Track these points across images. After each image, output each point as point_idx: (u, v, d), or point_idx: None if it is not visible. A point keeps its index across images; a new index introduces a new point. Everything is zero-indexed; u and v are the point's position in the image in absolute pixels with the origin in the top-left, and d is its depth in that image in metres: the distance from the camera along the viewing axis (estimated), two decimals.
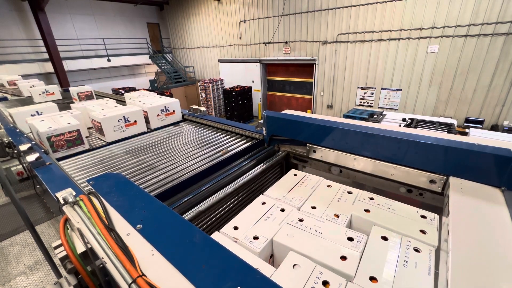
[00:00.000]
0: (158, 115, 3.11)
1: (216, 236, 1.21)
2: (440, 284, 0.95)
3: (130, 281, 0.72)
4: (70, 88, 5.32)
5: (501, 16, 6.70)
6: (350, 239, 1.18)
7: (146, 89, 13.99)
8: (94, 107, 3.14)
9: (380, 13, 8.47)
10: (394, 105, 9.20)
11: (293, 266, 1.02)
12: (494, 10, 6.75)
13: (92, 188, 1.21)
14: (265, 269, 0.99)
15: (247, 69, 13.28)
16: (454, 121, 6.38)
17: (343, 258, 1.08)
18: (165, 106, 3.15)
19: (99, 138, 2.89)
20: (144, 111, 3.03)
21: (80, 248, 0.98)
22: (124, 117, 2.75)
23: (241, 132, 2.72)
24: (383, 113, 7.41)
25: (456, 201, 1.29)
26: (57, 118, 2.62)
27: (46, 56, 11.86)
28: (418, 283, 0.96)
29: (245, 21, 12.40)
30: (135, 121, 2.87)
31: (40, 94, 5.54)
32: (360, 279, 0.98)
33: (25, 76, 9.05)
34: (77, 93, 5.54)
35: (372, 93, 9.55)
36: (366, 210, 1.38)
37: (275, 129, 2.40)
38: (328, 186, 1.66)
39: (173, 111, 3.24)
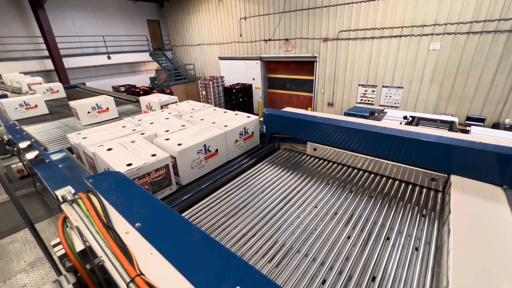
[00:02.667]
0: (236, 140, 2.20)
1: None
2: (441, 283, 0.94)
3: (128, 280, 0.72)
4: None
5: (504, 13, 6.64)
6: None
7: (146, 87, 13.99)
8: (152, 124, 2.30)
9: (382, 10, 8.40)
10: (395, 103, 9.16)
11: None
12: (496, 7, 6.69)
13: (91, 186, 1.21)
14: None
15: (247, 67, 13.22)
16: (456, 119, 6.34)
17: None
18: (244, 128, 2.25)
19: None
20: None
21: (79, 246, 0.97)
22: (205, 146, 1.90)
23: None
24: (384, 111, 7.37)
25: (457, 199, 1.28)
26: (127, 142, 1.83)
27: (46, 53, 11.81)
28: None
29: (245, 18, 12.32)
30: (216, 151, 2.02)
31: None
32: None
33: (25, 73, 9.04)
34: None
35: (373, 91, 9.50)
36: None
37: (276, 127, 2.40)
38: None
39: (252, 132, 2.35)
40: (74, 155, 2.20)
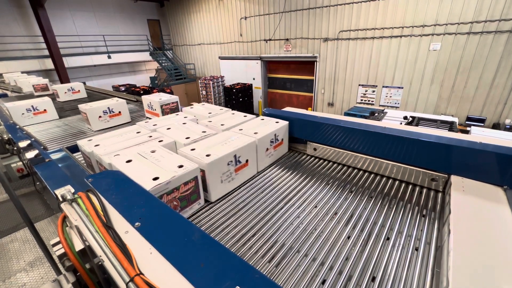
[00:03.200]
0: (267, 149, 2.01)
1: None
2: (441, 283, 0.94)
3: (127, 279, 0.71)
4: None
5: (504, 13, 6.64)
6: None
7: (146, 87, 13.99)
8: (169, 130, 2.11)
9: (382, 10, 8.40)
10: (396, 103, 9.16)
11: None
12: (497, 7, 6.69)
13: (91, 186, 1.20)
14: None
15: (247, 66, 13.22)
16: (456, 119, 6.35)
17: None
18: (275, 135, 2.06)
19: None
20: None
21: (79, 245, 0.97)
22: (235, 156, 1.71)
23: None
24: (384, 111, 7.38)
25: (458, 199, 1.28)
26: (146, 152, 1.64)
27: (46, 52, 11.82)
28: None
29: (246, 18, 12.32)
30: (247, 161, 1.82)
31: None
32: None
33: (25, 73, 9.03)
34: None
35: (373, 91, 9.50)
36: None
37: None
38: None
39: (282, 139, 2.18)
40: (84, 162, 2.11)
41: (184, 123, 2.22)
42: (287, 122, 2.17)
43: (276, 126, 2.09)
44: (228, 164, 1.66)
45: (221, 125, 2.14)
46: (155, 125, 2.22)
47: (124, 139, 1.95)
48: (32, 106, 3.61)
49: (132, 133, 2.07)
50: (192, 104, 3.41)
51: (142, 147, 1.73)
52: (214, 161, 1.55)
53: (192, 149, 1.66)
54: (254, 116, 2.29)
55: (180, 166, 1.44)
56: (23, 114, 3.54)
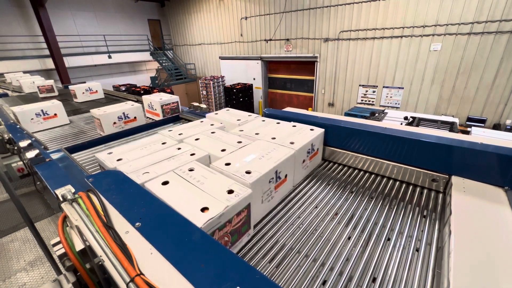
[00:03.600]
0: (303, 160, 1.82)
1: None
2: (442, 284, 0.94)
3: (128, 280, 0.71)
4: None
5: (505, 14, 6.63)
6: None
7: (146, 86, 13.99)
8: (198, 140, 1.86)
9: (383, 10, 8.39)
10: (396, 103, 9.15)
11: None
12: (498, 8, 6.68)
13: (91, 185, 1.20)
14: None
15: (248, 67, 13.22)
16: (456, 120, 6.35)
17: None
18: (311, 144, 1.87)
19: None
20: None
21: (79, 245, 0.97)
22: (276, 172, 1.49)
23: None
24: (385, 111, 7.37)
25: (458, 200, 1.28)
26: (184, 170, 1.38)
27: (47, 52, 11.83)
28: None
29: (246, 18, 12.32)
30: (286, 177, 1.62)
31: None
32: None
33: (27, 72, 9.05)
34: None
35: (374, 91, 9.50)
36: None
37: None
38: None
39: (317, 149, 2.00)
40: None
41: (213, 132, 1.99)
42: (322, 130, 1.98)
43: (312, 134, 1.88)
44: (270, 182, 1.44)
45: (256, 134, 1.90)
46: (181, 135, 1.96)
47: (150, 151, 1.69)
48: (42, 111, 3.28)
49: (157, 144, 1.80)
50: (191, 104, 3.41)
51: (174, 163, 1.50)
52: (257, 180, 1.31)
53: (227, 164, 1.44)
54: (288, 123, 2.12)
55: (230, 192, 1.17)
56: (32, 119, 3.24)
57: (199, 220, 1.01)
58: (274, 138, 1.81)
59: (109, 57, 14.14)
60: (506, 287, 0.83)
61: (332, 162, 2.12)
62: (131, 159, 1.58)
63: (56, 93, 5.69)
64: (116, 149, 1.74)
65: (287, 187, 1.68)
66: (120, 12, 15.24)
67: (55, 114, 3.42)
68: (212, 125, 2.18)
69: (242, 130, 2.01)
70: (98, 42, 14.13)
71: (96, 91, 5.14)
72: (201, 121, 2.32)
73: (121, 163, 1.54)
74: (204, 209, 1.07)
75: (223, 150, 1.65)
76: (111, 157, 1.63)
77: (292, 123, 2.09)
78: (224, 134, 1.96)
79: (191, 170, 1.37)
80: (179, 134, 1.98)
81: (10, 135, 2.45)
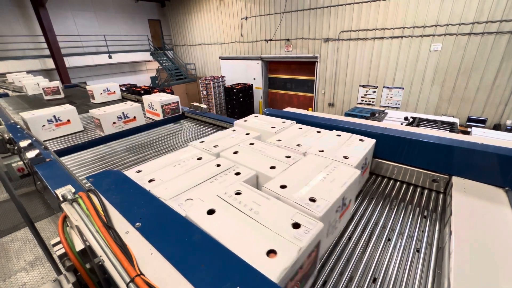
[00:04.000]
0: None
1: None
2: (442, 285, 0.93)
3: (128, 280, 0.71)
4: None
5: (505, 14, 6.63)
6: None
7: (147, 86, 14.00)
8: (237, 154, 1.57)
9: (383, 10, 8.40)
10: (396, 104, 9.15)
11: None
12: (498, 8, 6.68)
13: (91, 185, 1.20)
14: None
15: (248, 67, 13.23)
16: (457, 120, 6.34)
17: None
18: (365, 159, 1.61)
19: None
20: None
21: (79, 245, 0.97)
22: (343, 199, 1.20)
23: None
24: (385, 111, 7.37)
25: (459, 201, 1.28)
26: (230, 195, 1.10)
27: (47, 52, 11.84)
28: None
29: (246, 18, 12.33)
30: (350, 202, 1.33)
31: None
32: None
33: (29, 73, 9.05)
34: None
35: (374, 92, 9.50)
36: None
37: None
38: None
39: (368, 162, 1.79)
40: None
41: (251, 144, 1.69)
42: (374, 141, 1.71)
43: (363, 146, 1.62)
44: (336, 211, 1.15)
45: (297, 145, 1.64)
46: (217, 147, 1.67)
47: (185, 169, 1.41)
48: (54, 116, 2.99)
49: (192, 160, 1.54)
50: (192, 104, 3.40)
51: (217, 185, 1.24)
52: (328, 211, 1.03)
53: (282, 186, 1.15)
54: (330, 131, 1.88)
55: (296, 226, 0.90)
56: (43, 126, 2.93)
57: (270, 271, 0.73)
58: (322, 151, 1.55)
59: (110, 57, 14.15)
60: None
61: None
62: (165, 179, 1.32)
63: (62, 95, 5.42)
64: (146, 167, 1.49)
65: (349, 214, 1.38)
66: (121, 12, 15.25)
67: (68, 120, 3.15)
68: (247, 134, 1.91)
69: (280, 140, 1.75)
70: (98, 42, 14.14)
71: (114, 91, 4.98)
72: (233, 130, 2.01)
73: (155, 185, 1.27)
74: (270, 253, 0.80)
75: (272, 168, 1.36)
76: (141, 177, 1.36)
77: (335, 132, 1.85)
78: (265, 146, 1.67)
79: (238, 193, 1.11)
80: (214, 147, 1.68)
81: (11, 135, 2.45)
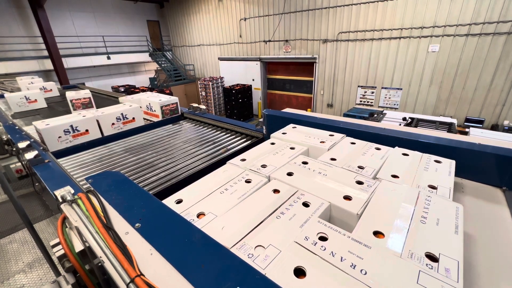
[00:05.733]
0: None
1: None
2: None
3: (128, 280, 0.71)
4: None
5: (502, 15, 6.68)
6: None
7: (145, 87, 13.99)
8: (292, 177, 1.27)
9: (381, 11, 8.44)
10: (395, 104, 9.19)
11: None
12: (495, 9, 6.73)
13: (91, 186, 1.20)
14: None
15: (247, 68, 13.25)
16: (454, 121, 6.37)
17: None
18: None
19: None
20: None
21: (78, 246, 0.97)
22: None
23: (241, 130, 2.71)
24: (384, 112, 7.40)
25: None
26: (308, 235, 0.84)
27: (46, 53, 11.82)
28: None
29: (245, 19, 12.35)
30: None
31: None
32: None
33: (23, 73, 9.03)
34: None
35: (373, 92, 9.53)
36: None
37: (275, 128, 2.39)
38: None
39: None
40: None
41: (304, 163, 1.38)
42: (453, 162, 1.35)
43: (447, 170, 1.27)
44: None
45: (359, 167, 1.30)
46: (264, 167, 1.35)
47: (236, 197, 1.12)
48: (72, 126, 2.62)
49: (239, 183, 1.24)
50: (191, 105, 3.41)
51: (286, 222, 0.94)
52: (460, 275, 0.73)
53: (377, 233, 0.86)
54: (386, 146, 1.59)
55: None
56: (59, 137, 2.53)
57: None
58: (396, 177, 1.21)
59: (108, 58, 14.14)
60: (504, 287, 0.83)
61: None
62: (216, 212, 1.03)
63: (95, 108, 4.01)
64: (186, 194, 1.18)
65: None
66: (119, 13, 15.25)
67: (87, 130, 2.74)
68: (292, 149, 1.59)
69: (335, 159, 1.42)
70: (97, 43, 14.13)
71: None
72: (272, 143, 1.70)
73: (205, 221, 0.98)
74: None
75: (347, 199, 1.05)
76: (185, 209, 1.07)
77: (399, 150, 1.50)
78: (323, 166, 1.34)
79: (323, 239, 0.83)
80: (262, 166, 1.37)
81: (9, 136, 2.45)
